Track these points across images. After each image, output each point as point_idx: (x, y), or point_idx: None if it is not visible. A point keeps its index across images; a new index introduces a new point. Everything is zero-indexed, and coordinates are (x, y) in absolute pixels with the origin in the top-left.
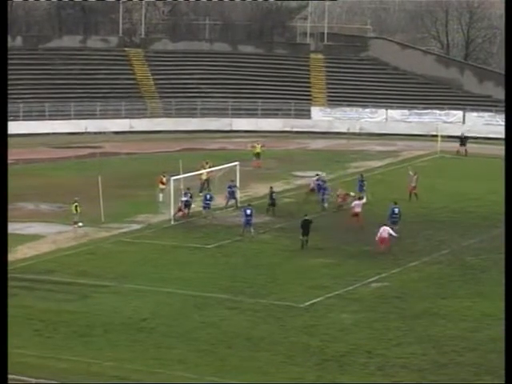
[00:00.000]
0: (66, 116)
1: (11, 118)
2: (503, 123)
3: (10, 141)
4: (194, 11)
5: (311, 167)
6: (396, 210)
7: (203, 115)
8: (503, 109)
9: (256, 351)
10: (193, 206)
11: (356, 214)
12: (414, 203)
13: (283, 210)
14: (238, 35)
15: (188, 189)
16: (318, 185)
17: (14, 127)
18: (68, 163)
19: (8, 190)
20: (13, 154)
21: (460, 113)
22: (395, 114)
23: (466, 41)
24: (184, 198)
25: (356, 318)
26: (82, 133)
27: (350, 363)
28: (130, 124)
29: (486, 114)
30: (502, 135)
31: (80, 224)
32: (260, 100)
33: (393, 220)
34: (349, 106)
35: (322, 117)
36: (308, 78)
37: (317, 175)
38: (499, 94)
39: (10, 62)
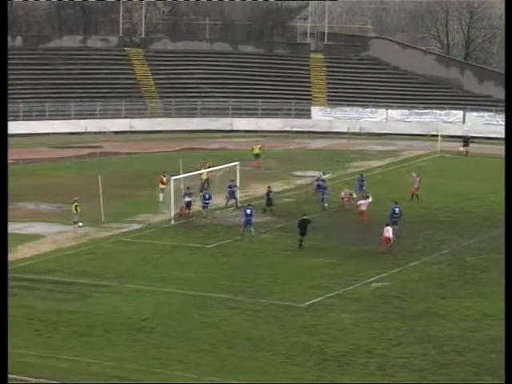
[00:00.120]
0: (66, 116)
1: (11, 117)
2: (503, 123)
3: (10, 141)
4: (194, 11)
5: (311, 167)
6: (397, 210)
7: (203, 115)
8: (503, 109)
9: (256, 351)
10: (193, 205)
11: (362, 213)
12: (415, 203)
13: (283, 210)
14: (238, 35)
15: (188, 188)
16: (318, 185)
17: (14, 127)
18: (68, 163)
19: (8, 189)
20: (13, 154)
21: (460, 113)
22: (395, 113)
23: (466, 41)
24: (188, 199)
25: (356, 318)
26: (82, 133)
27: (350, 363)
28: (130, 124)
29: (486, 114)
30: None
31: (80, 224)
32: (260, 100)
33: (393, 220)
34: (349, 105)
35: (322, 116)
36: (308, 78)
37: (323, 174)
38: (499, 93)
39: (10, 61)
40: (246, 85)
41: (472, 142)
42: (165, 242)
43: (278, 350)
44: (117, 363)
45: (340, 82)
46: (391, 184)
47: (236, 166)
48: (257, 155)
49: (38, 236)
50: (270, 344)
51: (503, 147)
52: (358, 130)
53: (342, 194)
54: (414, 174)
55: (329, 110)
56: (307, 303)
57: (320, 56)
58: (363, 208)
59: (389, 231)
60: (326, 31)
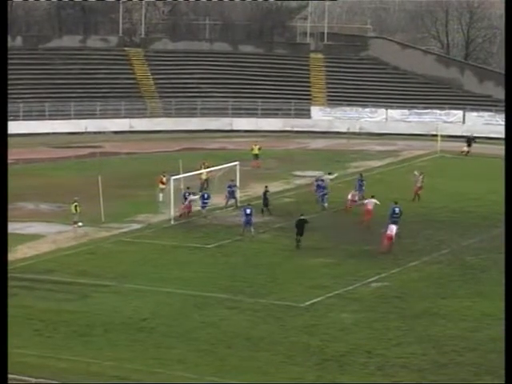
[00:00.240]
0: (65, 116)
1: (11, 117)
2: (503, 123)
3: (10, 141)
4: (193, 11)
5: (311, 167)
6: (397, 210)
7: (203, 115)
8: (503, 108)
9: (256, 351)
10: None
11: (368, 212)
12: (414, 203)
13: (283, 210)
14: (238, 35)
15: (188, 188)
16: (318, 185)
17: (13, 127)
18: (68, 163)
19: (8, 189)
20: (13, 154)
21: (460, 112)
22: (395, 113)
23: (466, 41)
24: (194, 197)
25: (356, 318)
26: (82, 132)
27: (350, 363)
28: (130, 124)
29: (486, 114)
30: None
31: (80, 224)
32: (260, 100)
33: (393, 220)
34: (349, 105)
35: (321, 116)
36: (308, 78)
37: (329, 173)
38: (499, 93)
39: (9, 61)
40: (245, 85)
41: (475, 141)
42: (165, 241)
43: (277, 350)
44: (116, 363)
45: (340, 82)
46: (391, 184)
47: (236, 165)
48: (256, 155)
49: (38, 236)
50: (270, 344)
51: (503, 147)
52: (357, 130)
53: (350, 196)
54: (416, 173)
55: (328, 109)
56: (307, 303)
57: (320, 56)
58: (369, 207)
59: (393, 230)
60: (326, 31)
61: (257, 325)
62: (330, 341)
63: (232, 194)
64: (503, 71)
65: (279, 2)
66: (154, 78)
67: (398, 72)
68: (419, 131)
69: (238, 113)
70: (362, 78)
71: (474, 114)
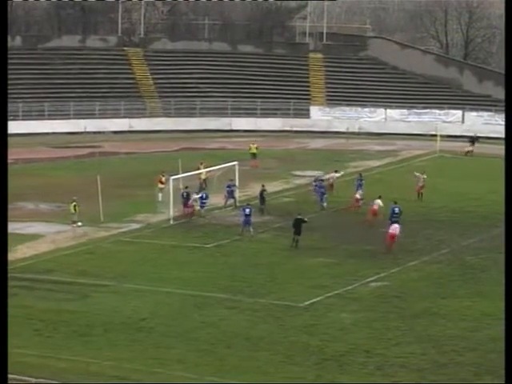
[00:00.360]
0: (65, 116)
1: (10, 117)
2: (503, 123)
3: (10, 140)
4: (193, 11)
5: (310, 167)
6: (396, 210)
7: (202, 115)
8: (503, 108)
9: (255, 351)
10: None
11: (374, 212)
12: (416, 202)
13: (282, 210)
14: (237, 35)
15: (186, 187)
16: (316, 186)
17: (13, 127)
18: (67, 163)
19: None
20: (12, 154)
21: (459, 112)
22: (394, 113)
23: (466, 40)
24: (196, 196)
25: (355, 318)
26: (81, 132)
27: (350, 363)
28: (129, 124)
29: (485, 114)
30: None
31: (79, 223)
32: (259, 99)
33: (393, 220)
34: (348, 105)
35: (321, 116)
36: (307, 78)
37: (335, 171)
38: (499, 93)
39: (9, 61)
40: (245, 84)
41: (478, 141)
42: (164, 241)
43: (277, 350)
44: (116, 363)
45: (339, 82)
46: (390, 184)
47: (235, 165)
48: (254, 155)
49: (38, 236)
50: (269, 344)
51: (503, 147)
52: (356, 130)
53: (358, 196)
54: (417, 174)
55: (328, 109)
56: (306, 303)
57: (319, 56)
58: (375, 207)
59: (396, 229)
60: (325, 31)
61: (256, 324)
62: (330, 340)
63: (231, 194)
64: (502, 71)
65: (278, 2)
66: (153, 78)
67: (397, 72)
68: (418, 131)
69: (238, 113)
70: (361, 77)
71: (474, 113)
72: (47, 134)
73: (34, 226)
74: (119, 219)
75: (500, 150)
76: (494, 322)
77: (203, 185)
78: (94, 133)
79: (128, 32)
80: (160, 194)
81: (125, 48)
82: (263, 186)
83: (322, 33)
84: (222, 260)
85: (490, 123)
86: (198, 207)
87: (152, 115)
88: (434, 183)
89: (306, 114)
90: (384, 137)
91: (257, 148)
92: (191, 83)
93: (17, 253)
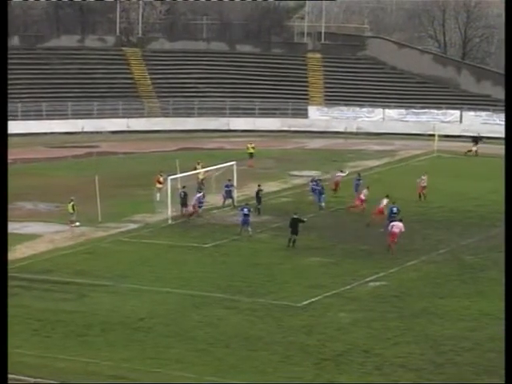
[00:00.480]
0: (63, 115)
1: (9, 117)
2: (501, 122)
3: (8, 140)
4: (191, 10)
5: (309, 167)
6: (394, 210)
7: (200, 115)
8: (501, 108)
9: (254, 350)
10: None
11: (380, 211)
12: (414, 202)
13: (281, 210)
14: (235, 35)
15: (184, 187)
16: (313, 185)
17: (11, 127)
18: (65, 163)
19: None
20: (10, 154)
21: (457, 112)
22: (392, 113)
23: (464, 40)
24: (199, 194)
25: (354, 318)
26: (79, 132)
27: (348, 362)
28: (128, 123)
29: (483, 114)
30: (500, 134)
31: (77, 223)
32: (257, 99)
33: (392, 219)
34: (346, 105)
35: (319, 116)
36: (305, 78)
37: (341, 171)
38: (497, 93)
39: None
40: (243, 84)
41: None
42: (162, 241)
43: (275, 350)
44: (114, 363)
45: (337, 82)
46: (389, 183)
47: (233, 165)
48: (250, 154)
49: (36, 236)
50: (268, 343)
51: (501, 147)
52: (355, 130)
53: (362, 196)
54: (423, 177)
55: (326, 109)
56: (305, 303)
57: (317, 55)
58: (382, 206)
59: (398, 227)
60: (323, 31)
61: (255, 324)
62: (328, 340)
63: (229, 194)
64: (501, 71)
65: (276, 2)
66: (151, 78)
67: (395, 71)
68: (416, 131)
69: (236, 112)
70: (360, 77)
71: (472, 113)
72: (45, 133)
73: (32, 226)
74: (117, 219)
75: (499, 149)
76: (493, 322)
77: (201, 185)
78: (92, 133)
79: (126, 32)
80: (158, 194)
81: (123, 48)
82: (259, 185)
83: (321, 32)
84: (221, 260)
85: (488, 123)
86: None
87: (150, 115)
88: (433, 183)
89: (304, 113)
90: (382, 136)
91: (253, 148)
92: (189, 83)
93: (15, 252)
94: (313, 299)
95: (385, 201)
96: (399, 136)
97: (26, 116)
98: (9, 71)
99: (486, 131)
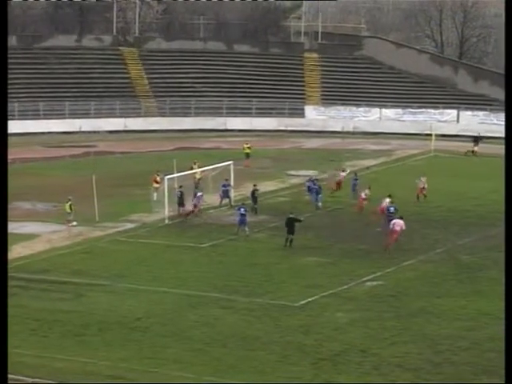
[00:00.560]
0: (60, 115)
1: None
2: (498, 122)
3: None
4: (188, 10)
5: (306, 166)
6: (391, 209)
7: (197, 114)
8: (498, 108)
9: (251, 350)
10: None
11: (383, 210)
12: (412, 202)
13: (278, 209)
14: (232, 34)
15: (181, 187)
16: (309, 185)
17: (8, 126)
18: (62, 162)
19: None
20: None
21: (454, 112)
22: (389, 112)
23: (461, 40)
24: (200, 193)
25: (351, 317)
26: (77, 132)
27: (345, 362)
28: (125, 123)
29: (480, 113)
30: (497, 134)
31: (74, 223)
32: (254, 99)
33: (389, 219)
34: (343, 104)
35: (315, 116)
36: (302, 77)
37: (343, 171)
38: (494, 92)
39: None
40: (240, 84)
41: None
42: (159, 241)
43: (273, 350)
44: (111, 362)
45: (334, 81)
46: (385, 183)
47: (230, 165)
48: (247, 154)
49: (33, 235)
50: (265, 343)
51: (498, 146)
52: (351, 129)
53: (363, 195)
54: (422, 179)
55: (323, 109)
56: (302, 302)
57: (314, 55)
58: (384, 206)
59: (399, 225)
60: (320, 30)
61: (252, 324)
62: (325, 340)
63: (226, 194)
64: (498, 70)
65: (273, 2)
66: (148, 78)
67: (392, 71)
68: (413, 130)
69: (233, 112)
70: (357, 77)
71: (469, 113)
72: (42, 133)
73: (29, 226)
74: (114, 219)
75: (496, 149)
76: (491, 322)
77: (198, 184)
78: (90, 132)
79: (123, 31)
80: (155, 194)
81: (120, 48)
82: (255, 185)
83: (317, 32)
84: (218, 259)
85: (485, 122)
86: (191, 207)
87: (147, 115)
88: (430, 183)
89: (301, 113)
90: (379, 136)
91: (249, 148)
92: (186, 83)
93: (12, 252)
94: (310, 299)
95: (387, 200)
96: (396, 135)
97: (24, 116)
98: None
99: (483, 131)
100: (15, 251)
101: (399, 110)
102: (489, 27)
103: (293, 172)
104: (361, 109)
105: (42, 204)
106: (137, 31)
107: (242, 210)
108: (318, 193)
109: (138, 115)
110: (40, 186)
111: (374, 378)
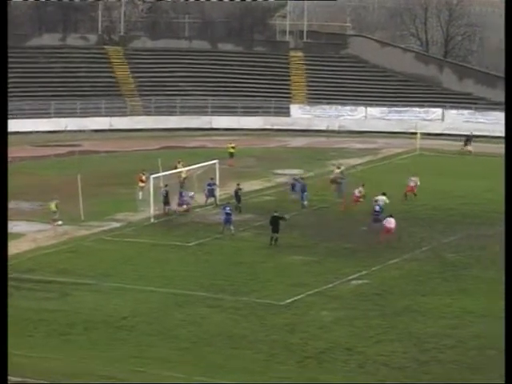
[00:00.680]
0: (46, 114)
1: None
2: (483, 120)
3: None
4: (173, 9)
5: (291, 165)
6: (377, 208)
7: (183, 113)
8: (483, 106)
9: (238, 349)
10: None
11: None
12: (397, 200)
13: (263, 208)
14: (217, 33)
15: (166, 186)
16: (293, 184)
17: None
18: (48, 161)
19: None
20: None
21: (439, 110)
22: (375, 111)
23: (446, 38)
24: (191, 193)
25: (336, 316)
26: (62, 131)
27: (331, 361)
28: (110, 122)
29: (465, 112)
30: (482, 132)
31: (60, 222)
32: (240, 98)
33: (375, 217)
34: (328, 103)
35: (301, 114)
36: (288, 76)
37: (338, 168)
38: (479, 91)
39: None
40: (225, 83)
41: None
42: (145, 240)
43: (259, 348)
44: (97, 361)
45: (319, 80)
46: (371, 182)
47: (215, 164)
48: (231, 154)
49: (19, 235)
50: (252, 342)
51: (484, 145)
52: (337, 128)
53: (357, 193)
54: (412, 178)
55: (308, 107)
56: (287, 301)
57: (299, 54)
58: (381, 203)
59: (391, 223)
60: (306, 29)
61: (238, 323)
62: (311, 338)
63: (211, 193)
64: (483, 69)
65: (258, 1)
66: (133, 77)
67: (377, 70)
68: (398, 129)
69: (218, 111)
70: (342, 76)
71: (454, 111)
72: (28, 132)
73: (14, 225)
74: (100, 218)
75: (482, 147)
76: (475, 320)
77: (183, 184)
78: (75, 131)
79: (108, 30)
80: (140, 193)
81: (105, 46)
82: (238, 184)
83: (303, 31)
84: (204, 258)
85: (470, 121)
86: (176, 206)
87: (132, 114)
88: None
89: (286, 112)
90: (364, 135)
91: (233, 148)
92: (171, 81)
93: None
94: (295, 297)
95: (383, 198)
96: (381, 134)
97: (9, 115)
98: None
99: (468, 129)
100: None
101: (384, 109)
102: (474, 25)
103: (278, 171)
104: (346, 107)
105: (27, 203)
106: (122, 30)
107: (228, 208)
108: (303, 191)
109: (124, 114)
110: (25, 185)
111: (360, 377)
